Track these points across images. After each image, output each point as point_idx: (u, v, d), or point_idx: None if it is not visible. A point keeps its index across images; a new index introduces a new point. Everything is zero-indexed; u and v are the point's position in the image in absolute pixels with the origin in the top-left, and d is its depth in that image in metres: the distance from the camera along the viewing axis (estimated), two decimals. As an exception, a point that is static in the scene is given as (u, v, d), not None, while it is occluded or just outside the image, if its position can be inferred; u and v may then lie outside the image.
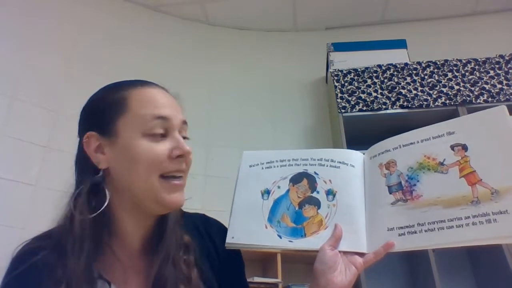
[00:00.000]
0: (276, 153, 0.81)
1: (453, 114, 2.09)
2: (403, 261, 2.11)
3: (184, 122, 0.67)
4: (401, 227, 0.65)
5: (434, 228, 0.62)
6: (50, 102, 2.07)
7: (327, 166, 0.76)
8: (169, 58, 2.61)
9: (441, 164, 0.66)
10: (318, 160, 0.77)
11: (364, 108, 2.14)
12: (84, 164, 0.63)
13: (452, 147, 0.66)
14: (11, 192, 1.79)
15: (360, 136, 2.20)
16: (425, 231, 0.62)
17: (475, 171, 0.62)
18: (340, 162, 0.76)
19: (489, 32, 2.61)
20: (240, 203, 0.76)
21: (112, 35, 2.50)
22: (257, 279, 1.82)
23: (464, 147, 0.65)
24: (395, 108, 2.12)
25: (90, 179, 0.61)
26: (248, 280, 1.92)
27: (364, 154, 0.78)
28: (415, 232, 0.63)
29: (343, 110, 2.16)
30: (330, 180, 0.74)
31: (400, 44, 2.42)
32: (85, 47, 2.36)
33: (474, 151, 0.64)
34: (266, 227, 0.72)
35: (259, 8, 2.74)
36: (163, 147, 0.61)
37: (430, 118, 2.14)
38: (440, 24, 2.75)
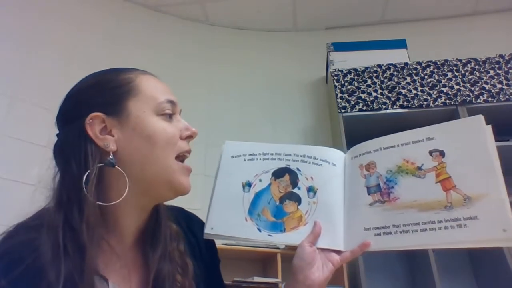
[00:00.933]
0: (259, 146, 0.81)
1: (453, 114, 2.09)
2: (403, 261, 2.11)
3: (180, 112, 0.69)
4: (377, 228, 0.67)
5: (409, 230, 0.64)
6: (50, 102, 2.05)
7: (309, 163, 0.76)
8: (169, 58, 2.61)
9: (419, 168, 0.68)
10: (301, 156, 0.77)
11: (364, 108, 2.14)
12: (86, 149, 0.57)
13: (431, 153, 0.68)
14: (11, 192, 1.79)
15: (360, 136, 2.18)
16: (400, 232, 0.65)
17: (450, 177, 0.65)
18: (322, 160, 0.76)
19: (489, 32, 2.61)
20: (221, 194, 0.76)
21: (112, 35, 2.51)
22: (257, 279, 1.82)
23: (442, 153, 0.67)
24: (395, 108, 2.12)
25: (97, 163, 0.57)
26: (248, 280, 1.93)
27: (345, 153, 0.79)
28: (391, 233, 0.66)
29: (343, 110, 2.16)
30: (312, 177, 0.75)
31: (400, 44, 2.42)
32: (85, 47, 2.37)
33: (451, 158, 0.66)
34: (246, 220, 0.72)
35: (259, 8, 2.74)
36: (174, 128, 0.63)
37: (430, 118, 2.14)
38: (440, 24, 2.75)
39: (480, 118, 0.67)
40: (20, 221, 0.57)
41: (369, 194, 0.71)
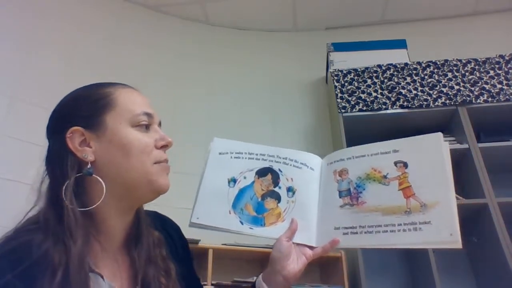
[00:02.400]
0: (245, 145, 0.87)
1: (453, 114, 2.09)
2: (403, 261, 2.11)
3: (160, 123, 0.72)
4: (346, 227, 0.76)
5: (372, 231, 0.73)
6: (50, 102, 2.06)
7: (290, 165, 0.84)
8: (169, 58, 2.61)
9: (385, 177, 0.77)
10: (283, 158, 0.85)
11: (364, 108, 2.14)
12: (66, 160, 0.63)
13: (395, 163, 0.77)
14: (11, 192, 1.79)
15: (360, 136, 2.19)
16: (365, 232, 0.73)
17: (411, 186, 0.74)
18: (302, 164, 0.84)
19: (489, 32, 2.61)
20: (207, 187, 0.81)
21: (112, 35, 2.51)
22: (257, 279, 1.82)
23: (405, 165, 0.76)
24: (395, 108, 2.12)
25: (75, 172, 0.62)
26: (248, 280, 1.93)
27: (322, 159, 0.87)
28: (357, 233, 0.74)
29: (343, 110, 2.16)
30: (291, 179, 0.82)
31: (400, 44, 2.41)
32: (85, 47, 2.36)
33: (412, 169, 0.75)
34: (230, 213, 0.79)
35: (259, 8, 2.74)
36: (149, 138, 0.67)
37: (430, 118, 2.15)
38: (440, 24, 2.75)
39: (439, 135, 0.76)
40: (17, 226, 0.61)
41: (340, 197, 0.79)
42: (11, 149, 1.88)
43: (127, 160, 0.63)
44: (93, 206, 0.62)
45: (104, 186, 0.62)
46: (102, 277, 0.60)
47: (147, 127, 0.67)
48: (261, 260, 2.10)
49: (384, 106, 2.12)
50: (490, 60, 2.15)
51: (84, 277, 0.56)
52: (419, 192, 0.72)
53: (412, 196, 0.72)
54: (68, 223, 0.58)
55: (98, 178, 0.63)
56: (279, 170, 0.83)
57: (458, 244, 0.65)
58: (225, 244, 1.84)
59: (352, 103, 2.16)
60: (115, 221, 0.66)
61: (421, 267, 1.89)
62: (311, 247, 0.76)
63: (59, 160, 0.64)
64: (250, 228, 0.77)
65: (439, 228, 0.67)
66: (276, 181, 0.82)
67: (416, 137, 0.79)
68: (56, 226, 0.58)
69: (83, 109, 0.66)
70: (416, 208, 0.71)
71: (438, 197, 0.70)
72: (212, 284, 1.75)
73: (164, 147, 0.68)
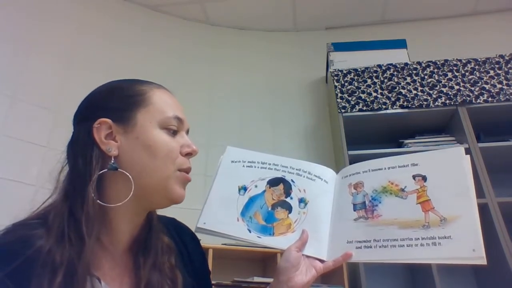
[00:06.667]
0: (258, 155, 0.87)
1: (453, 114, 2.09)
2: (403, 261, 2.11)
3: (188, 131, 0.71)
4: (359, 241, 0.73)
5: (387, 245, 0.70)
6: (50, 102, 2.07)
7: (304, 177, 0.83)
8: (169, 58, 2.61)
9: (402, 190, 0.75)
10: (296, 169, 0.84)
11: (364, 108, 2.14)
12: (91, 152, 0.61)
13: (414, 177, 0.76)
14: (11, 192, 1.79)
15: (360, 136, 2.20)
16: (379, 247, 0.71)
17: (430, 199, 0.72)
18: (316, 176, 0.83)
19: (489, 32, 2.61)
20: (217, 193, 0.81)
21: (111, 35, 2.51)
22: (257, 279, 1.82)
23: (424, 178, 0.75)
24: (395, 108, 2.12)
25: (100, 166, 0.61)
26: (248, 280, 1.93)
27: (337, 173, 0.86)
28: (371, 247, 0.71)
29: (343, 110, 2.16)
30: (304, 190, 0.81)
31: (400, 44, 2.42)
32: (84, 48, 2.37)
33: (432, 183, 0.74)
34: (238, 220, 0.77)
35: (259, 8, 2.74)
36: (175, 143, 0.65)
37: (430, 118, 2.14)
38: (440, 24, 2.75)
39: (461, 149, 0.75)
40: (18, 220, 0.59)
41: (354, 210, 0.77)
42: (11, 149, 1.88)
43: (152, 161, 0.62)
44: (120, 203, 0.60)
45: (132, 182, 0.60)
46: (99, 280, 0.57)
47: (174, 132, 0.66)
48: (261, 260, 2.11)
49: (384, 106, 2.12)
50: (490, 60, 2.15)
51: (84, 278, 0.54)
52: (439, 206, 0.70)
53: (431, 210, 0.70)
54: (86, 219, 0.56)
55: (127, 173, 0.61)
56: (292, 180, 0.82)
57: (483, 260, 0.62)
58: (225, 244, 1.84)
59: (352, 103, 2.16)
60: (124, 222, 0.64)
61: (421, 267, 1.89)
62: (321, 261, 0.73)
63: (83, 150, 0.62)
64: (258, 236, 0.76)
65: (461, 243, 0.65)
66: (288, 191, 0.81)
67: (436, 151, 0.79)
68: (67, 221, 0.56)
69: (115, 102, 0.65)
70: (435, 222, 0.68)
71: (459, 211, 0.68)
72: (212, 284, 1.76)
73: (189, 154, 0.67)
